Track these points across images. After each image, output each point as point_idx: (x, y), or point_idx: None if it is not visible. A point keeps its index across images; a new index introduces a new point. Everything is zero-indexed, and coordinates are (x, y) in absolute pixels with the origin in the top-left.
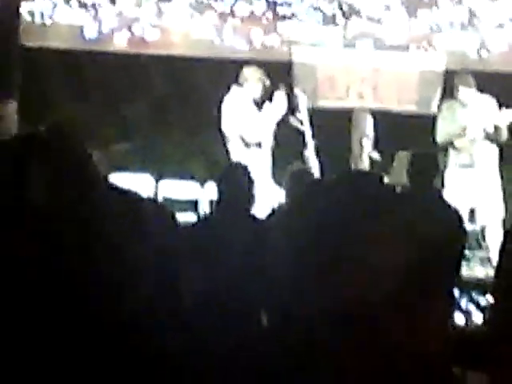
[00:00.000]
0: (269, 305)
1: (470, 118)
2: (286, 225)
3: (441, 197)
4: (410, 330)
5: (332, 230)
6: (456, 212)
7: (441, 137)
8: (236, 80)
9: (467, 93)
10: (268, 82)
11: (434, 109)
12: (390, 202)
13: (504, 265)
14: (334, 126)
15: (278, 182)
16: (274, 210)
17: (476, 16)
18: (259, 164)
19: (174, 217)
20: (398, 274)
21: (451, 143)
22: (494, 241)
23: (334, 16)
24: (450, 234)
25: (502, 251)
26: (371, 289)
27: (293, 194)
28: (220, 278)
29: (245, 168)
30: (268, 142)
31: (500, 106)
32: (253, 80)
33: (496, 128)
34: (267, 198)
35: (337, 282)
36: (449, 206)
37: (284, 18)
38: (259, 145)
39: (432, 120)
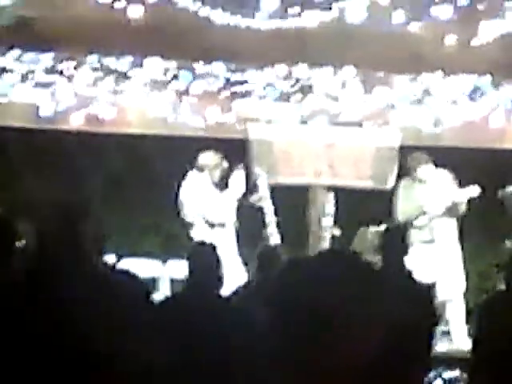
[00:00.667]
0: None
1: (428, 196)
2: (257, 303)
3: (411, 274)
4: None
5: (305, 310)
6: (428, 290)
7: (401, 216)
8: (193, 165)
9: (424, 170)
10: (226, 165)
11: (390, 184)
12: (367, 283)
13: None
14: (293, 202)
15: (244, 261)
16: (238, 290)
17: (430, 93)
18: (224, 244)
19: (148, 294)
20: (374, 359)
21: (411, 223)
22: (455, 315)
23: (289, 93)
24: (424, 313)
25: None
26: (340, 374)
27: (262, 272)
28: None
29: (213, 247)
30: (231, 222)
31: (458, 182)
32: (210, 166)
33: (455, 204)
34: (233, 277)
35: (304, 364)
36: (420, 283)
37: (240, 95)
38: (223, 225)
39: (390, 196)
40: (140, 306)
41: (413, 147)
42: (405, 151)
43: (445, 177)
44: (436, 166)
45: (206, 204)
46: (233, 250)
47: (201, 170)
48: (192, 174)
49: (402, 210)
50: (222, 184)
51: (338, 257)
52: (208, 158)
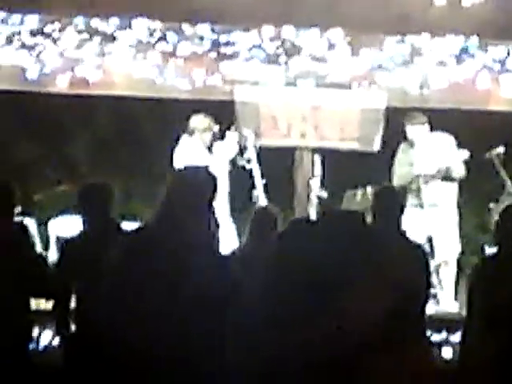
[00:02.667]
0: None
1: (418, 159)
2: (253, 265)
3: (404, 234)
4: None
5: (311, 270)
6: (422, 250)
7: (396, 180)
8: (183, 129)
9: (413, 130)
10: (216, 129)
11: (376, 146)
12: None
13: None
14: (278, 165)
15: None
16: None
17: (418, 53)
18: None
19: None
20: (373, 319)
21: (406, 187)
22: (446, 278)
23: (276, 55)
24: (418, 274)
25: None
26: (343, 332)
27: (258, 233)
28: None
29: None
30: (223, 183)
31: (457, 144)
32: (201, 129)
33: (448, 167)
34: (226, 238)
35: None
36: (414, 243)
37: (226, 57)
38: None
39: (376, 158)
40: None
41: (399, 109)
42: (391, 113)
43: (438, 139)
44: (432, 128)
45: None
46: (225, 213)
47: (191, 133)
48: (183, 139)
49: (398, 174)
50: (213, 146)
51: (347, 216)
52: (198, 120)
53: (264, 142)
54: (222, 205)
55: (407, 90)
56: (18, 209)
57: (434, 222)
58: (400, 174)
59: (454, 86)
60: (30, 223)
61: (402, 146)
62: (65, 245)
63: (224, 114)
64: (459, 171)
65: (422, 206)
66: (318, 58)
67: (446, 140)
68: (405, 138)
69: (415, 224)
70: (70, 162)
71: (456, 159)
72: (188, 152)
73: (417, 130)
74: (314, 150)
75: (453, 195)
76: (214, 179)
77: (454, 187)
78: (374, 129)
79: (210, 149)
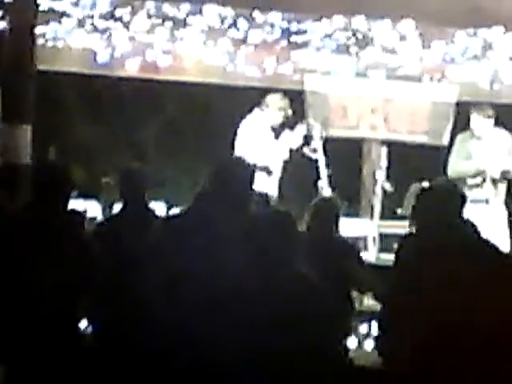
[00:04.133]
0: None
1: (485, 154)
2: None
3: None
4: None
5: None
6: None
7: (453, 172)
8: (258, 104)
9: (483, 125)
10: (290, 113)
11: (445, 140)
12: None
13: None
14: (345, 155)
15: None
16: None
17: (490, 48)
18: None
19: None
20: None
21: (464, 180)
22: None
23: (347, 45)
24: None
25: None
26: None
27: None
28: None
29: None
30: (277, 171)
31: None
32: (275, 107)
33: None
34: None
35: None
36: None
37: (297, 46)
38: (269, 172)
39: (447, 152)
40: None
41: (469, 103)
42: (461, 107)
43: (503, 136)
44: (496, 125)
45: (259, 145)
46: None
47: (264, 109)
48: (255, 113)
49: (455, 165)
50: (280, 131)
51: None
52: (275, 99)
53: (332, 132)
54: (271, 191)
55: (478, 84)
56: (74, 193)
57: (486, 216)
58: (457, 165)
59: None
60: (95, 206)
61: (462, 135)
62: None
63: (293, 103)
64: None
65: (478, 201)
66: (389, 50)
67: (507, 138)
68: (465, 129)
69: (477, 219)
70: (138, 146)
71: None
72: (254, 126)
73: (482, 122)
74: (382, 142)
75: (503, 192)
76: (252, 171)
77: (505, 185)
78: (443, 123)
79: (276, 132)
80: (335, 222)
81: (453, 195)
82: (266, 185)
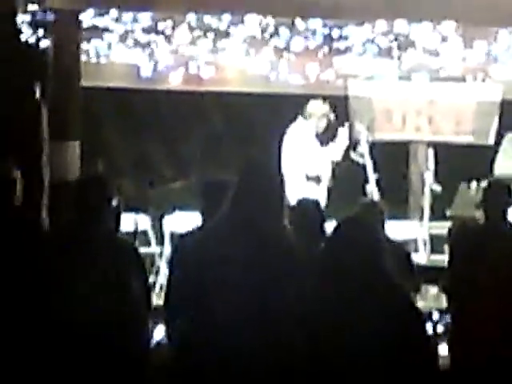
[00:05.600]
0: None
1: None
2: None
3: None
4: None
5: None
6: None
7: (499, 170)
8: (301, 113)
9: None
10: (333, 117)
11: (491, 140)
12: None
13: None
14: (391, 158)
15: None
16: None
17: None
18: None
19: None
20: None
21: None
22: None
23: (389, 49)
24: None
25: None
26: None
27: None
28: None
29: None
30: (326, 178)
31: None
32: (317, 114)
33: None
34: None
35: None
36: None
37: (339, 51)
38: (318, 180)
39: (493, 151)
40: None
41: None
42: (506, 106)
43: None
44: None
45: (306, 155)
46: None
47: (307, 118)
48: (297, 122)
49: (502, 164)
50: (324, 137)
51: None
52: (316, 106)
53: (377, 136)
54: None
55: None
56: (114, 202)
57: None
58: (504, 164)
59: None
60: (144, 219)
61: (510, 135)
62: (180, 240)
63: (337, 108)
64: None
65: None
66: (431, 52)
67: None
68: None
69: None
70: (184, 158)
71: None
72: (299, 136)
73: None
74: (429, 144)
75: None
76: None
77: None
78: (489, 122)
79: (319, 138)
80: (382, 226)
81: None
82: (316, 193)
